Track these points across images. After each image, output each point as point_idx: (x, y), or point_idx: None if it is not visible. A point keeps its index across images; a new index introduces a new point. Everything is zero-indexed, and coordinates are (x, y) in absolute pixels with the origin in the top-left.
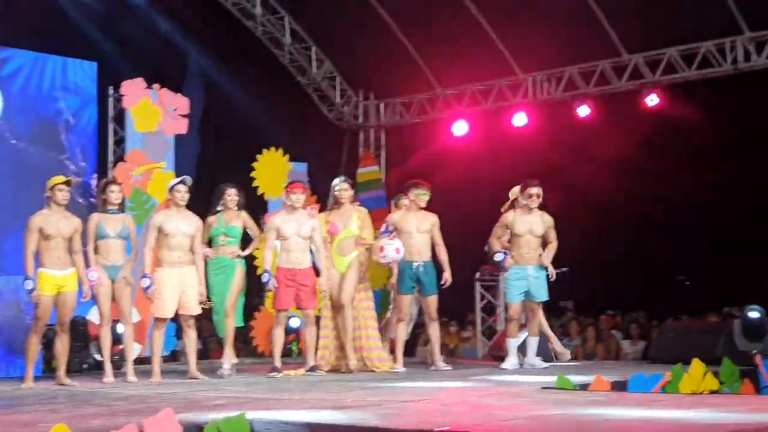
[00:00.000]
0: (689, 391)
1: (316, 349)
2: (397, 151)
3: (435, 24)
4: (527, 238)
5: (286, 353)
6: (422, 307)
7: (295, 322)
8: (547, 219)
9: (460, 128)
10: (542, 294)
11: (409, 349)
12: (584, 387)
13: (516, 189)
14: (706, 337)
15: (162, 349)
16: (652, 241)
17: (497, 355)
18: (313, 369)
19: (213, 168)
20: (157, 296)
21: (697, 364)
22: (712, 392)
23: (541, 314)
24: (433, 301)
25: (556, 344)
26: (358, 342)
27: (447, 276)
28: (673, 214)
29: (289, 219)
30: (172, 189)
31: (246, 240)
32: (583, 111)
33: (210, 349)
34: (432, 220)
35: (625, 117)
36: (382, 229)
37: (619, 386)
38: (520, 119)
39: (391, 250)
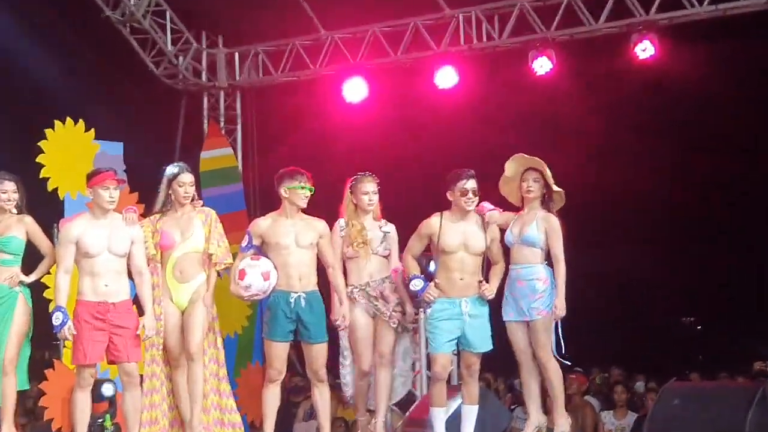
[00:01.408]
0: None
1: (141, 425)
2: (260, 124)
3: None
4: (460, 257)
5: (96, 430)
6: (305, 360)
7: (109, 390)
8: (493, 228)
9: (355, 90)
10: (483, 341)
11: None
12: None
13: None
14: (729, 404)
15: None
16: (643, 258)
17: None
18: None
19: None
20: None
21: None
22: None
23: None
24: (319, 352)
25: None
26: (207, 416)
27: (340, 312)
28: (680, 218)
29: (96, 226)
30: None
31: (31, 259)
32: (542, 65)
33: None
34: (319, 228)
35: (603, 74)
36: (243, 243)
37: None
38: (446, 77)
39: (256, 275)
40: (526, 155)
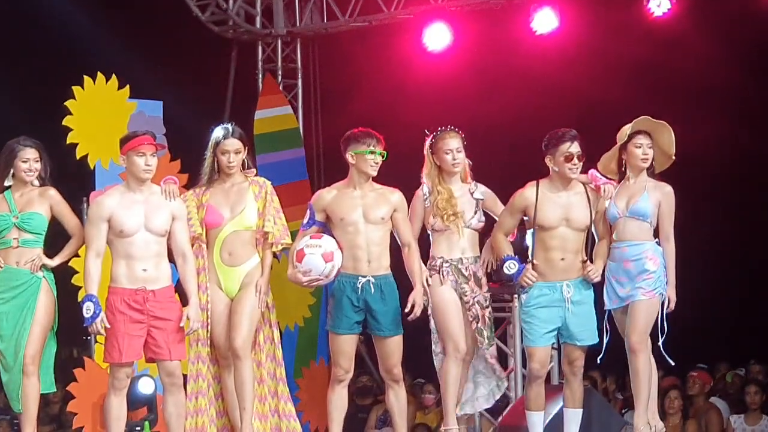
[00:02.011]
0: None
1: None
2: (325, 79)
3: None
4: (561, 234)
5: None
6: (377, 357)
7: (147, 386)
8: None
9: (437, 37)
10: (588, 332)
11: (359, 430)
12: None
13: (625, 128)
14: None
15: None
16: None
17: None
18: None
19: None
20: None
21: None
22: None
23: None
24: (392, 347)
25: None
26: (264, 423)
27: (417, 300)
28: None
29: (131, 200)
30: None
31: (57, 239)
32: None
33: None
34: (393, 200)
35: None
36: (304, 219)
37: None
38: (544, 20)
39: (316, 257)
40: (652, 118)
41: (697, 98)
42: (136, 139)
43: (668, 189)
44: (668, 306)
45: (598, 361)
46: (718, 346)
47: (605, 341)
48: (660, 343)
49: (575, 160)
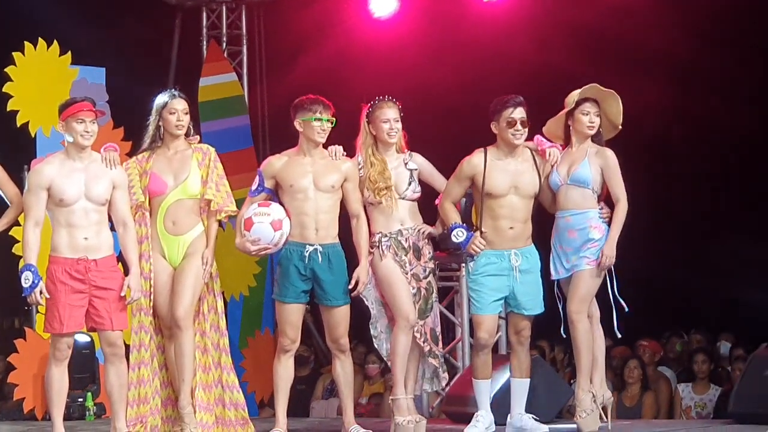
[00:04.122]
0: None
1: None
2: (270, 45)
3: None
4: (509, 202)
5: (76, 411)
6: (324, 327)
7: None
8: (547, 166)
9: (384, 4)
10: (535, 301)
11: (301, 401)
12: None
13: (574, 94)
14: None
15: None
16: (730, 199)
17: (456, 412)
18: None
19: None
20: None
21: None
22: None
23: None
24: (339, 317)
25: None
26: (208, 393)
27: (362, 275)
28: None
29: (71, 169)
30: None
31: None
32: None
33: None
34: (343, 168)
35: None
36: (253, 186)
37: None
38: None
39: (265, 225)
40: (600, 86)
41: (642, 64)
42: (74, 106)
43: (609, 153)
44: (600, 261)
45: (563, 334)
46: (662, 315)
47: (561, 312)
48: (614, 316)
49: (518, 126)
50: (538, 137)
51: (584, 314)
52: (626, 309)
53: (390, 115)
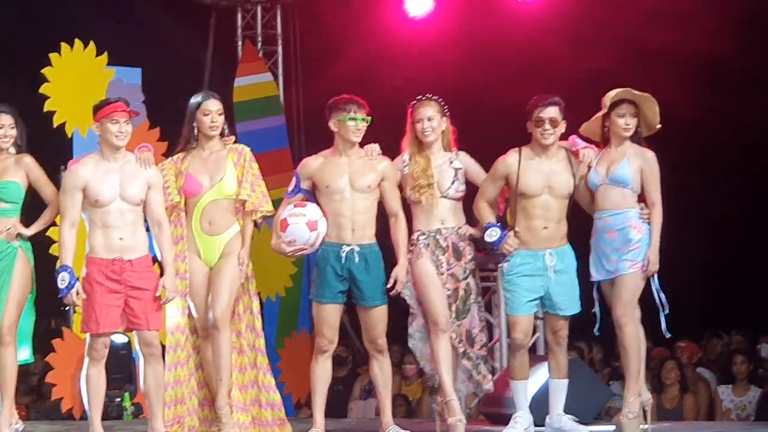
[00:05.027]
0: None
1: (166, 404)
2: (306, 45)
3: None
4: (543, 201)
5: (113, 411)
6: (362, 327)
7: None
8: (582, 167)
9: (419, 3)
10: (571, 301)
11: (338, 402)
12: None
13: (610, 94)
14: None
15: None
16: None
17: (494, 413)
18: None
19: None
20: None
21: None
22: None
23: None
24: (377, 317)
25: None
26: (245, 394)
27: (400, 275)
28: None
29: (106, 169)
30: None
31: (34, 207)
32: None
33: None
34: (380, 168)
35: None
36: (289, 187)
37: None
38: None
39: (300, 226)
40: (634, 90)
41: (677, 65)
42: (109, 106)
43: (650, 154)
44: (646, 266)
45: (596, 333)
46: (702, 316)
47: (597, 313)
48: (661, 317)
49: (546, 125)
50: (572, 138)
51: (631, 317)
52: (666, 311)
53: (424, 114)
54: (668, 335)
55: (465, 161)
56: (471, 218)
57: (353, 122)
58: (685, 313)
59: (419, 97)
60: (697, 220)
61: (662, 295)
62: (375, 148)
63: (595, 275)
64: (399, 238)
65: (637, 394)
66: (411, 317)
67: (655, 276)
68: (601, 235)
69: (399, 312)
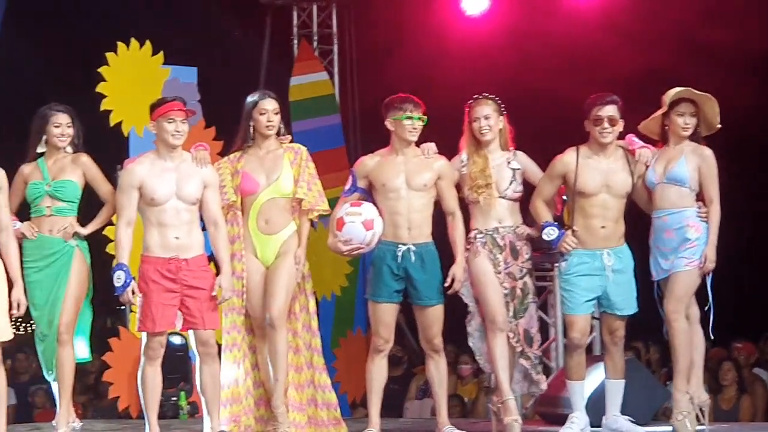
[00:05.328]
0: None
1: (222, 403)
2: (361, 44)
3: None
4: (601, 201)
5: (170, 410)
6: (418, 327)
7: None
8: (640, 166)
9: (475, 1)
10: (628, 301)
11: (394, 401)
12: None
13: (671, 92)
14: None
15: None
16: None
17: (550, 413)
18: None
19: (27, 76)
20: None
21: None
22: None
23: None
24: (433, 317)
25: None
26: (301, 393)
27: (458, 273)
28: None
29: (162, 168)
30: None
31: (90, 206)
32: None
33: (34, 403)
34: (437, 166)
35: None
36: (346, 186)
37: None
38: None
39: (356, 225)
40: (694, 90)
41: (738, 63)
42: (165, 105)
43: (708, 152)
44: (703, 264)
45: (665, 335)
46: (759, 316)
47: (662, 313)
48: (710, 316)
49: (605, 124)
50: (630, 137)
51: (681, 314)
52: (710, 308)
53: (481, 112)
54: (711, 337)
55: (523, 161)
56: (526, 218)
57: (410, 121)
58: (743, 313)
59: (476, 96)
60: (758, 219)
61: (712, 297)
62: (431, 146)
63: (655, 275)
64: (456, 237)
65: (685, 391)
66: (469, 316)
67: (710, 275)
68: (659, 235)
69: (454, 312)
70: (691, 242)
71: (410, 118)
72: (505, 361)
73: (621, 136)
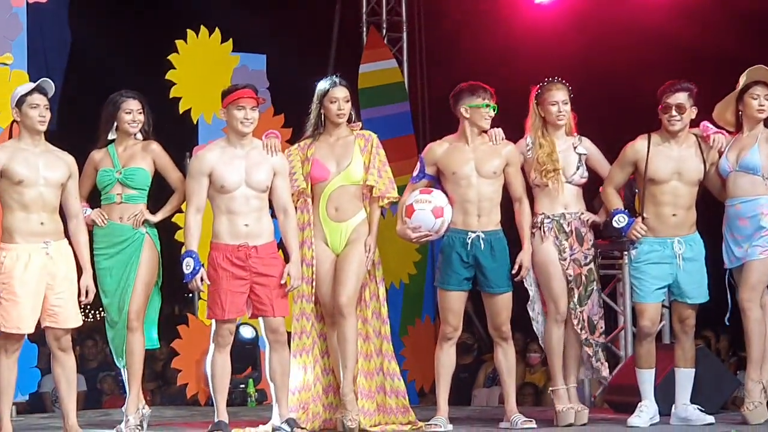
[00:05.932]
0: None
1: (290, 390)
2: (431, 32)
3: None
4: (672, 188)
5: (238, 397)
6: (486, 314)
7: (247, 331)
8: (714, 153)
9: None
10: (699, 290)
11: (462, 389)
12: None
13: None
14: None
15: (14, 391)
16: None
17: (619, 401)
18: (288, 425)
19: (98, 63)
20: (4, 295)
21: None
22: None
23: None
24: (502, 304)
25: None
26: (370, 381)
27: (525, 261)
28: None
29: (232, 155)
30: (20, 103)
31: (160, 193)
32: None
33: (103, 390)
34: (505, 153)
35: None
36: (414, 172)
37: None
38: None
39: (426, 212)
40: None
41: None
42: (236, 93)
43: None
44: None
45: (727, 323)
46: None
47: (729, 301)
48: None
49: (673, 111)
50: (704, 123)
51: (756, 302)
52: None
53: (559, 97)
54: None
55: (588, 147)
56: (588, 205)
57: (487, 109)
58: None
59: (548, 78)
60: None
61: None
62: (499, 132)
63: (727, 263)
64: (524, 223)
65: (758, 381)
66: (530, 301)
67: None
68: (732, 222)
69: (522, 299)
70: (765, 230)
71: (488, 105)
72: (559, 350)
73: (696, 123)
